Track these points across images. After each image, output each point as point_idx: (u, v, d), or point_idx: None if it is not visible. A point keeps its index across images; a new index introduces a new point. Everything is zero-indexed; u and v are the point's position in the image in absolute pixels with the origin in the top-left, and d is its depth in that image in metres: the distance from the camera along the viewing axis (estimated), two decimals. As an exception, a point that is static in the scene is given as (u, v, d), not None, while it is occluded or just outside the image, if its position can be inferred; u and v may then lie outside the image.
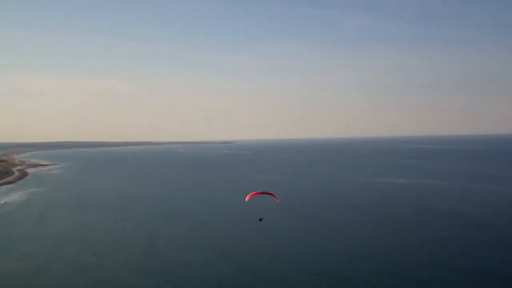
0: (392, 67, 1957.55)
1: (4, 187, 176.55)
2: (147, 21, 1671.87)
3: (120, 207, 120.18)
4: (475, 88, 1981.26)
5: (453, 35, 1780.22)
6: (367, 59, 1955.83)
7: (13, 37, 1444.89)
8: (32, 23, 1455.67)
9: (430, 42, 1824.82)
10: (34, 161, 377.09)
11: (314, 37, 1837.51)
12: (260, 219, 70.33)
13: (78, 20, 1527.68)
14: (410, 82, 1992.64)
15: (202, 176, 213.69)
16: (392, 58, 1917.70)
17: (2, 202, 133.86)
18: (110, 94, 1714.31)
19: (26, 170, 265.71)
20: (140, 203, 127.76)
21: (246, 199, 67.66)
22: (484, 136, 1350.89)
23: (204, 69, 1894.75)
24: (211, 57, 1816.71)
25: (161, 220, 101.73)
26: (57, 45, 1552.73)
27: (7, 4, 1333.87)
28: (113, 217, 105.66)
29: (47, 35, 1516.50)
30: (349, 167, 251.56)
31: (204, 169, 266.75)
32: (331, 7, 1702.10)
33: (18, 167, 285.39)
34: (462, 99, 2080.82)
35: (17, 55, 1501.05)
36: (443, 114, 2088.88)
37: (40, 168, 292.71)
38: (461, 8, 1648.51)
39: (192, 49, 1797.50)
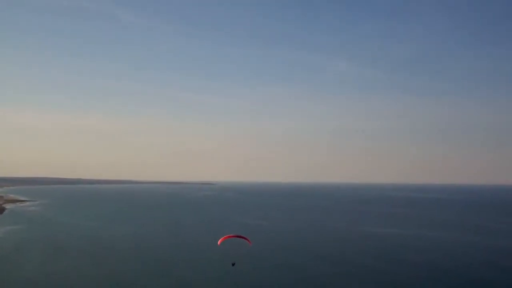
0: (378, 113, 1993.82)
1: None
2: (131, 59, 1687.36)
3: (94, 252, 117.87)
4: (454, 138, 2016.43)
5: (435, 85, 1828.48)
6: (351, 104, 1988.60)
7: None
8: (13, 57, 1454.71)
9: (413, 91, 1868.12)
10: (12, 196, 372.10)
11: (300, 81, 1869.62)
12: (233, 264, 69.13)
13: (61, 56, 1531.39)
14: (395, 129, 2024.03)
15: (180, 218, 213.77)
16: (374, 105, 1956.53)
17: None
18: (91, 131, 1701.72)
19: (4, 205, 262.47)
20: (115, 247, 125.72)
21: (219, 243, 67.91)
22: (464, 186, 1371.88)
23: (187, 110, 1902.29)
24: (194, 97, 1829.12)
25: (135, 266, 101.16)
26: (39, 78, 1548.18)
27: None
28: (86, 263, 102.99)
29: (28, 68, 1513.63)
30: (334, 214, 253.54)
31: (183, 210, 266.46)
32: (316, 52, 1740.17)
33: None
34: (442, 148, 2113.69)
35: None
36: (422, 163, 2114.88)
37: (18, 204, 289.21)
38: (449, 59, 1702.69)
39: (176, 88, 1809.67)
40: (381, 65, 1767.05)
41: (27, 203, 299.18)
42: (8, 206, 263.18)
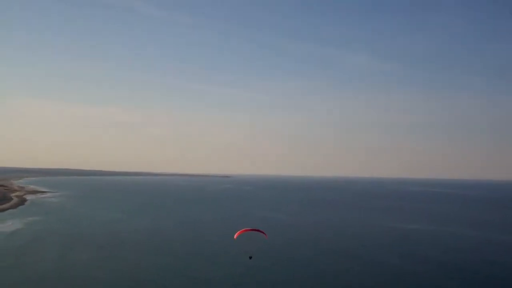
0: (392, 108, 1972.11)
1: (1, 214, 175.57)
2: (151, 51, 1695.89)
3: (113, 245, 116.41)
4: (465, 133, 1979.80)
5: (452, 80, 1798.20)
6: (367, 99, 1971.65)
7: (18, 60, 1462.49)
8: (35, 48, 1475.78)
9: (428, 85, 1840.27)
10: (33, 187, 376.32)
11: (316, 75, 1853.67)
12: (250, 257, 68.74)
13: (81, 47, 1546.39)
14: (413, 124, 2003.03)
15: (199, 211, 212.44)
16: (391, 99, 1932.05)
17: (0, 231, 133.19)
18: (111, 123, 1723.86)
19: (25, 196, 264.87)
20: (134, 240, 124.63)
21: (235, 237, 67.49)
22: (477, 181, 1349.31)
23: (204, 102, 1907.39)
24: (212, 89, 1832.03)
25: (153, 260, 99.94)
26: (60, 70, 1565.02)
27: (14, 25, 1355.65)
28: (105, 256, 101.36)
29: (49, 61, 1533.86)
30: (351, 208, 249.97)
31: (203, 203, 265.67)
32: (333, 45, 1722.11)
33: (17, 193, 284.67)
34: (462, 143, 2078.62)
35: (19, 79, 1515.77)
36: (436, 157, 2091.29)
37: (39, 195, 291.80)
38: (465, 54, 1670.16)
39: (194, 81, 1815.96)
40: (397, 59, 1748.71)
41: (48, 194, 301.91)
42: (29, 197, 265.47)
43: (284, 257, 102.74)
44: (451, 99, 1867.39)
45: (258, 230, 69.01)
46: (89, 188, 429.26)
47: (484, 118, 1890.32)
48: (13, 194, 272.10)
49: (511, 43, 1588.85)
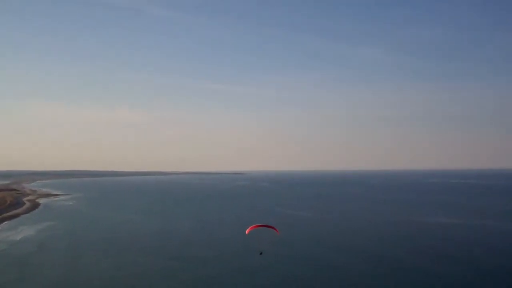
0: (404, 101, 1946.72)
1: (14, 220, 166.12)
2: (158, 52, 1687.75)
3: (128, 250, 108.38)
4: (480, 123, 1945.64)
5: (465, 71, 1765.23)
6: (378, 93, 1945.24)
7: (26, 64, 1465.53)
8: (44, 52, 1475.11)
9: (440, 77, 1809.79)
10: (45, 190, 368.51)
11: (324, 70, 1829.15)
12: (261, 253, 68.49)
13: (91, 50, 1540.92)
14: (429, 116, 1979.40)
15: (216, 209, 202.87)
16: (402, 92, 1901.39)
17: (13, 239, 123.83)
18: (122, 124, 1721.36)
19: (37, 200, 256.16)
20: (152, 244, 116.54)
21: (247, 232, 66.68)
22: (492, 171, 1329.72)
23: (213, 100, 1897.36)
24: (220, 88, 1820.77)
25: (169, 266, 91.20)
26: (70, 73, 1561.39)
27: (24, 27, 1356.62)
28: (118, 263, 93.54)
29: (59, 63, 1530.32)
30: (368, 202, 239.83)
31: (220, 201, 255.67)
32: (342, 39, 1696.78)
33: (29, 197, 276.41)
34: (468, 134, 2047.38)
35: (30, 83, 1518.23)
36: (450, 149, 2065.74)
37: (52, 198, 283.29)
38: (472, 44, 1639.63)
39: (203, 80, 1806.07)
40: (409, 52, 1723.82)
41: (61, 197, 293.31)
42: (41, 200, 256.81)
43: (293, 253, 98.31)
44: (463, 90, 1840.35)
45: (269, 226, 68.43)
46: (102, 189, 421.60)
47: (497, 108, 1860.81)
48: (26, 198, 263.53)
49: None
